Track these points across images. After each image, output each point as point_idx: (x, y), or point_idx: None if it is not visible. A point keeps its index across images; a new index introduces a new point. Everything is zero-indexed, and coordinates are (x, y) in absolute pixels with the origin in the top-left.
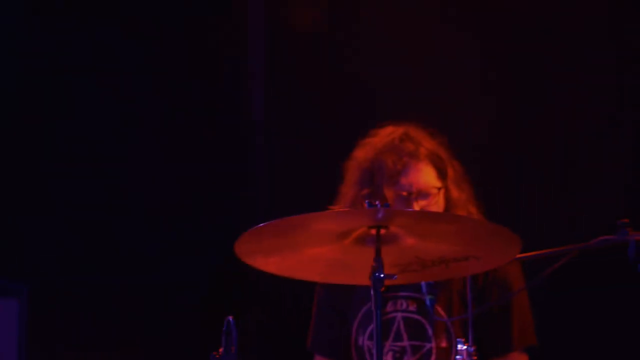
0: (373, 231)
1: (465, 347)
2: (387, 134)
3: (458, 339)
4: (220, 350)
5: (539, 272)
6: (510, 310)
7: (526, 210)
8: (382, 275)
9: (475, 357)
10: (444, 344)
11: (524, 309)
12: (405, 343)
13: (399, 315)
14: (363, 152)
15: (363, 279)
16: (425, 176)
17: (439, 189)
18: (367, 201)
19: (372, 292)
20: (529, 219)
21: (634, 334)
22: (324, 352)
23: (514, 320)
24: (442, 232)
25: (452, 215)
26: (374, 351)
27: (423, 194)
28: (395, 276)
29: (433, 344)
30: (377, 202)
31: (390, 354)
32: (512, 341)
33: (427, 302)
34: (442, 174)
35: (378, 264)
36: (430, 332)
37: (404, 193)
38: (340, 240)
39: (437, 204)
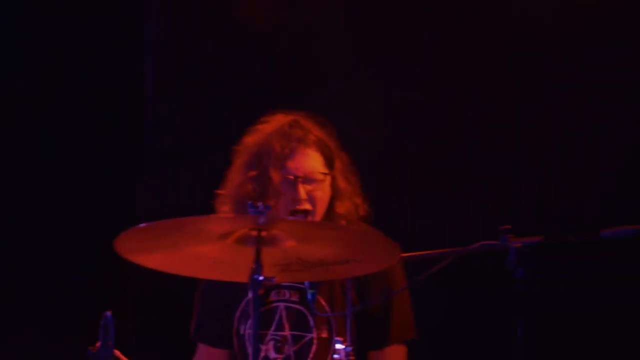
0: (254, 232)
1: (343, 346)
2: (277, 120)
3: (336, 338)
4: (97, 344)
5: (422, 270)
6: (390, 305)
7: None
8: (260, 278)
9: (353, 358)
10: (324, 334)
11: (403, 304)
12: (287, 332)
13: (282, 305)
14: (252, 138)
15: (244, 277)
16: (312, 161)
17: (325, 174)
18: (249, 203)
19: (249, 295)
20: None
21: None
22: (207, 341)
23: (393, 314)
24: (324, 237)
25: (333, 224)
26: (251, 350)
27: (309, 179)
28: (275, 279)
29: (314, 334)
30: (259, 205)
31: (271, 343)
32: (390, 335)
33: (309, 297)
34: (329, 162)
35: (257, 267)
36: (311, 322)
37: (290, 177)
38: (221, 240)
39: (322, 190)
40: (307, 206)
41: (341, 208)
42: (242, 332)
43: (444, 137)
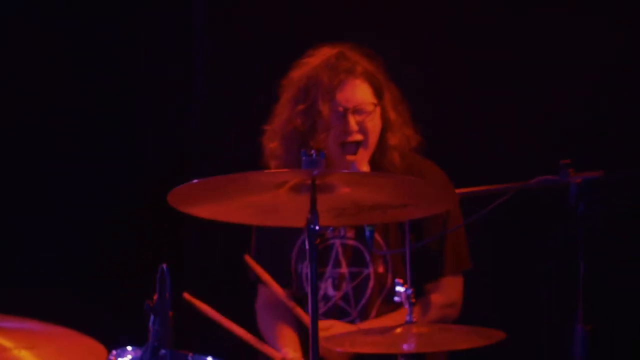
0: (308, 181)
1: (403, 289)
2: (323, 53)
3: (396, 280)
4: (155, 297)
5: (480, 204)
6: (445, 238)
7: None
8: (317, 228)
9: (414, 300)
10: (380, 269)
11: (459, 236)
12: (344, 270)
13: (337, 242)
14: (299, 71)
15: (299, 222)
16: (361, 92)
17: (375, 105)
18: (303, 151)
19: (306, 243)
20: (473, 155)
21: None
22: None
23: (448, 246)
24: (379, 185)
25: (387, 174)
26: (310, 301)
27: (359, 110)
28: (331, 228)
29: (371, 270)
30: (312, 152)
31: (329, 280)
32: (445, 266)
33: (367, 234)
34: (377, 92)
35: (313, 216)
36: (367, 258)
37: (340, 109)
38: (276, 189)
39: (373, 121)
40: (359, 137)
41: (393, 139)
42: (299, 270)
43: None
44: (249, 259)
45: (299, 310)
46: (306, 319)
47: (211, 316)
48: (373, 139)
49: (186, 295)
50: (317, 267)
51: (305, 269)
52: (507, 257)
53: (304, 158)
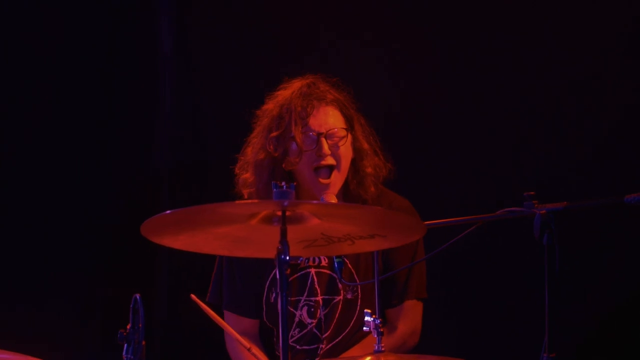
0: (279, 212)
1: (372, 318)
2: (295, 84)
3: (365, 311)
4: (128, 327)
5: (446, 237)
6: (411, 268)
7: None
8: (287, 258)
9: (382, 329)
10: (349, 296)
11: (421, 266)
12: (319, 297)
13: (313, 270)
14: (272, 102)
15: (270, 254)
16: (333, 118)
17: (347, 131)
18: (273, 183)
19: (277, 275)
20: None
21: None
22: (238, 311)
23: (413, 273)
24: (348, 215)
25: (356, 206)
26: (281, 330)
27: (330, 135)
28: (301, 258)
29: (341, 297)
30: (282, 184)
31: (305, 308)
32: (409, 291)
33: (336, 266)
34: (348, 121)
35: (283, 247)
36: (339, 285)
37: (313, 134)
38: (247, 220)
39: (345, 146)
40: (332, 161)
41: (369, 168)
42: (272, 300)
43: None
44: (194, 298)
45: (255, 350)
46: (262, 358)
47: (215, 320)
48: (345, 164)
49: (193, 297)
50: (293, 295)
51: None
52: (473, 287)
53: (274, 190)
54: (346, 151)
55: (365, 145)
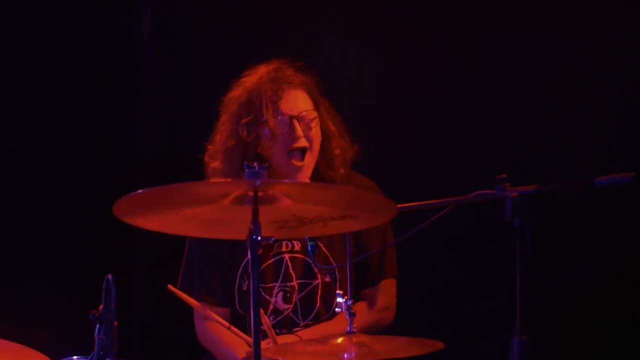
0: (251, 192)
1: (343, 300)
2: (261, 70)
3: (337, 292)
4: (100, 307)
5: (418, 219)
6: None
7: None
8: (259, 238)
9: (353, 310)
10: (327, 279)
11: (392, 247)
12: (294, 282)
13: (287, 256)
14: (239, 88)
15: (242, 235)
16: (302, 101)
17: (319, 116)
18: (245, 163)
19: (249, 254)
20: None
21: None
22: (210, 301)
23: (386, 256)
24: (319, 196)
25: (328, 185)
26: (252, 311)
27: (302, 118)
28: (273, 238)
29: (319, 280)
30: (255, 165)
31: (280, 294)
32: (385, 270)
33: (309, 249)
34: (316, 103)
35: (255, 227)
36: (315, 269)
37: (285, 117)
38: (219, 201)
39: (316, 128)
40: (305, 143)
41: (337, 149)
42: (244, 288)
43: (440, 88)
44: (172, 288)
45: (234, 329)
46: (243, 335)
47: (193, 305)
48: (316, 147)
49: (170, 287)
50: (266, 282)
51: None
52: (446, 269)
53: (247, 170)
54: (317, 133)
55: (332, 127)
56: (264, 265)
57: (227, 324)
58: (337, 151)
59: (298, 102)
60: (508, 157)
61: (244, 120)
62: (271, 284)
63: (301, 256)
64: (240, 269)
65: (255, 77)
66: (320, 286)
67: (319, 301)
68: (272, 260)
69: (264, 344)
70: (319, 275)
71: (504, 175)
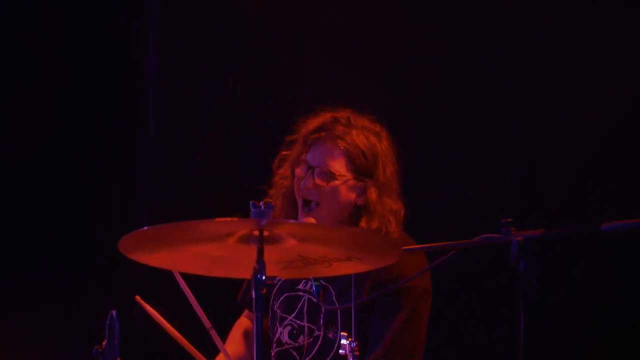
0: (256, 232)
1: (347, 341)
2: (328, 114)
3: (342, 334)
4: (104, 343)
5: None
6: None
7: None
8: (263, 278)
9: (358, 352)
10: (330, 335)
11: (409, 329)
12: (304, 323)
13: (306, 296)
14: (303, 126)
15: (247, 274)
16: (330, 158)
17: (344, 178)
18: (251, 202)
19: (252, 294)
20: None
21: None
22: (248, 307)
23: (392, 332)
24: (324, 237)
25: (332, 227)
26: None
27: (319, 172)
28: (277, 278)
29: (322, 333)
30: (261, 204)
31: (288, 328)
32: (380, 348)
33: (313, 289)
34: (355, 167)
35: (260, 266)
36: (321, 320)
37: (305, 165)
38: (224, 239)
39: (334, 190)
40: (309, 197)
41: (365, 223)
42: (273, 307)
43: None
44: (139, 300)
45: (212, 333)
46: (219, 344)
47: (160, 322)
48: (330, 206)
49: (138, 298)
50: (282, 312)
51: (276, 308)
52: (450, 311)
53: (252, 209)
54: (334, 194)
55: (373, 198)
56: (287, 294)
57: (209, 324)
58: (363, 224)
59: (325, 156)
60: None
61: (291, 155)
62: (284, 315)
63: (317, 303)
64: (275, 288)
65: (318, 118)
66: (321, 339)
67: (314, 351)
68: (294, 293)
69: None
70: (322, 328)
71: (510, 219)
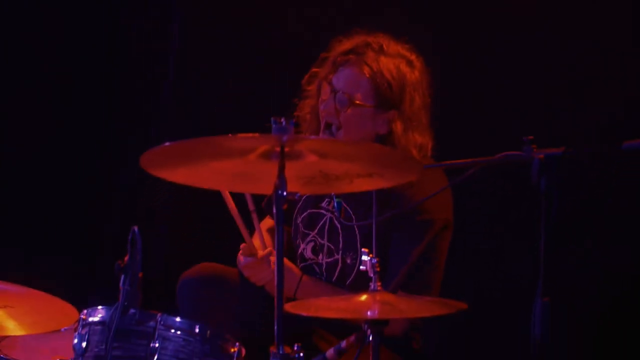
0: (277, 148)
1: (368, 258)
2: (362, 36)
3: (362, 250)
4: (126, 258)
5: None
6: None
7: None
8: (284, 193)
9: (378, 269)
10: (349, 261)
11: (428, 262)
12: (324, 242)
13: (328, 215)
14: (338, 44)
15: (268, 189)
16: (353, 84)
17: (364, 106)
18: (272, 118)
19: (274, 209)
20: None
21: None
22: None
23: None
24: (346, 153)
25: (354, 142)
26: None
27: (340, 97)
28: (298, 194)
29: (339, 256)
30: (282, 120)
31: (311, 244)
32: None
33: (335, 205)
34: (378, 96)
35: (281, 182)
36: (341, 244)
37: (329, 88)
38: (246, 155)
39: (355, 115)
40: (334, 121)
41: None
42: (296, 221)
43: (441, 130)
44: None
45: (254, 215)
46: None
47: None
48: (352, 131)
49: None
50: (303, 229)
51: (298, 220)
52: (469, 230)
53: (273, 125)
54: (355, 120)
55: (399, 130)
56: (310, 211)
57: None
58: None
59: (347, 80)
60: (535, 119)
61: (320, 74)
62: (307, 231)
63: (339, 225)
64: (301, 202)
65: (351, 40)
66: (339, 263)
67: (335, 276)
68: (316, 210)
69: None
70: (341, 252)
71: (531, 137)
